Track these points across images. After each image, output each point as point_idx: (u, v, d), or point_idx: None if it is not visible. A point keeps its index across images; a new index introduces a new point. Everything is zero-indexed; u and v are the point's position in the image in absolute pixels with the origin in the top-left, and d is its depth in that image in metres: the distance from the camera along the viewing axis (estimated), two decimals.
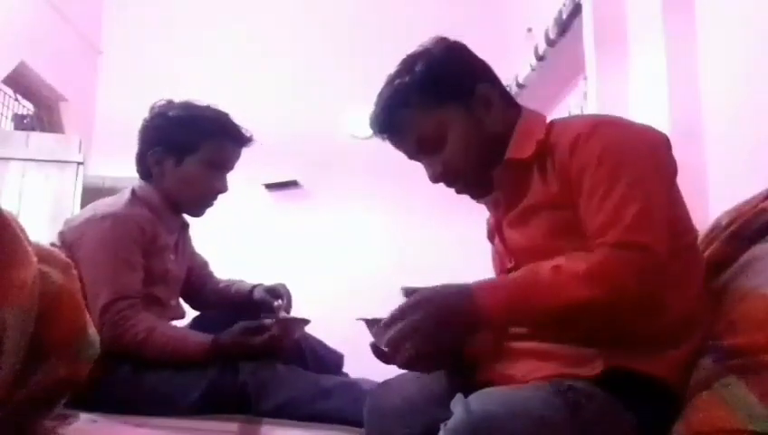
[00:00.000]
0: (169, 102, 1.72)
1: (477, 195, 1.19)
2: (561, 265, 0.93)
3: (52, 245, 1.58)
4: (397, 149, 1.19)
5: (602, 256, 0.92)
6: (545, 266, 0.94)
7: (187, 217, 1.79)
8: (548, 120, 1.15)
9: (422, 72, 1.11)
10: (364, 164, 3.87)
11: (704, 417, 0.88)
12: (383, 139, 1.17)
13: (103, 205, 1.63)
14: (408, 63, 1.14)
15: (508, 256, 1.14)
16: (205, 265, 1.95)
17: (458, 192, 1.19)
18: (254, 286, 1.86)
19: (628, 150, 1.00)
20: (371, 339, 1.07)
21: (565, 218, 1.02)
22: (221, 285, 1.92)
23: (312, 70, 4.03)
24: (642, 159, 1.00)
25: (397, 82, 1.13)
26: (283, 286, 1.83)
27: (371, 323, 1.05)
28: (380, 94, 1.15)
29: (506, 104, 1.16)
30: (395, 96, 1.13)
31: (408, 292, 1.03)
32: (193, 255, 1.90)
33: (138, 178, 1.72)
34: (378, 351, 1.06)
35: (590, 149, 1.00)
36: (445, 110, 1.12)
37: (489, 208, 1.22)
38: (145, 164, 1.70)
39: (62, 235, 1.60)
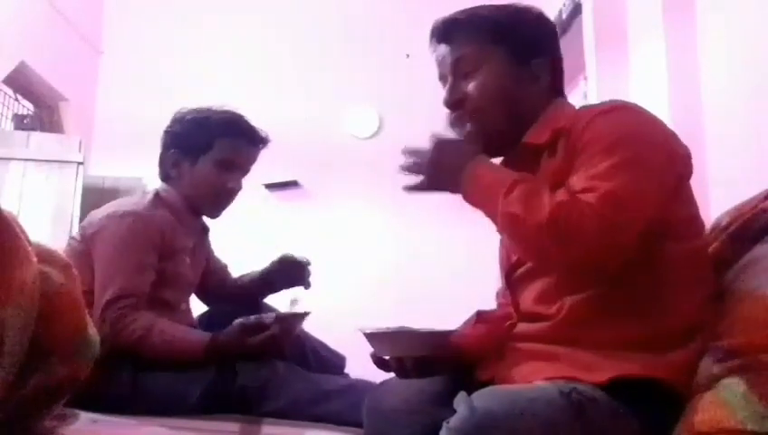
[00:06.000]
0: (189, 108, 1.75)
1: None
2: (542, 190, 0.95)
3: (72, 238, 1.65)
4: (436, 61, 1.20)
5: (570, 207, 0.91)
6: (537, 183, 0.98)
7: (207, 220, 1.80)
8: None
9: (506, 13, 1.16)
10: (364, 164, 3.86)
11: (704, 417, 0.88)
12: (433, 47, 1.20)
13: (127, 203, 1.67)
14: (503, 3, 1.19)
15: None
16: (225, 267, 1.96)
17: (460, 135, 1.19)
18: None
19: (636, 135, 0.98)
20: (372, 348, 1.08)
21: None
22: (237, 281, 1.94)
23: (312, 70, 4.02)
24: (649, 147, 0.97)
25: (482, 5, 1.17)
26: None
27: (371, 336, 1.05)
28: (460, 9, 1.19)
29: (550, 91, 1.16)
30: (470, 11, 1.17)
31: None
32: (213, 258, 1.91)
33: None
34: (379, 361, 1.06)
35: (599, 127, 0.99)
36: (496, 51, 1.13)
37: None
38: (164, 167, 1.73)
39: (82, 228, 1.63)
